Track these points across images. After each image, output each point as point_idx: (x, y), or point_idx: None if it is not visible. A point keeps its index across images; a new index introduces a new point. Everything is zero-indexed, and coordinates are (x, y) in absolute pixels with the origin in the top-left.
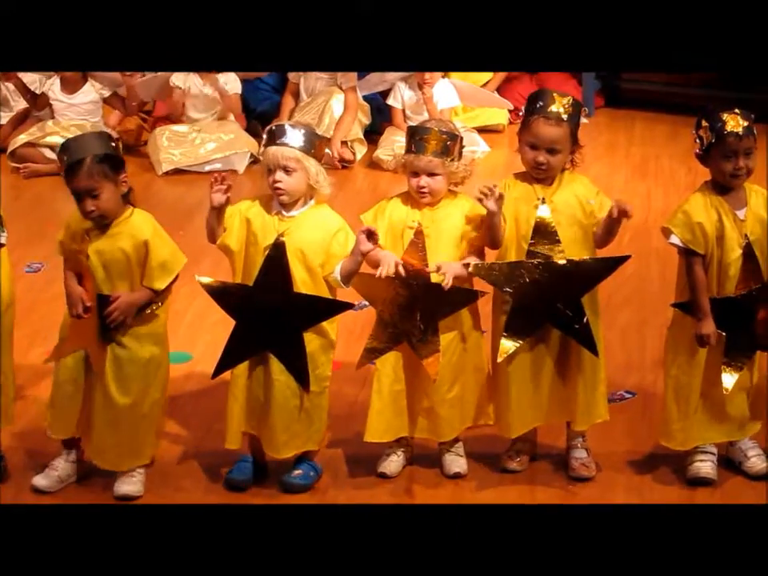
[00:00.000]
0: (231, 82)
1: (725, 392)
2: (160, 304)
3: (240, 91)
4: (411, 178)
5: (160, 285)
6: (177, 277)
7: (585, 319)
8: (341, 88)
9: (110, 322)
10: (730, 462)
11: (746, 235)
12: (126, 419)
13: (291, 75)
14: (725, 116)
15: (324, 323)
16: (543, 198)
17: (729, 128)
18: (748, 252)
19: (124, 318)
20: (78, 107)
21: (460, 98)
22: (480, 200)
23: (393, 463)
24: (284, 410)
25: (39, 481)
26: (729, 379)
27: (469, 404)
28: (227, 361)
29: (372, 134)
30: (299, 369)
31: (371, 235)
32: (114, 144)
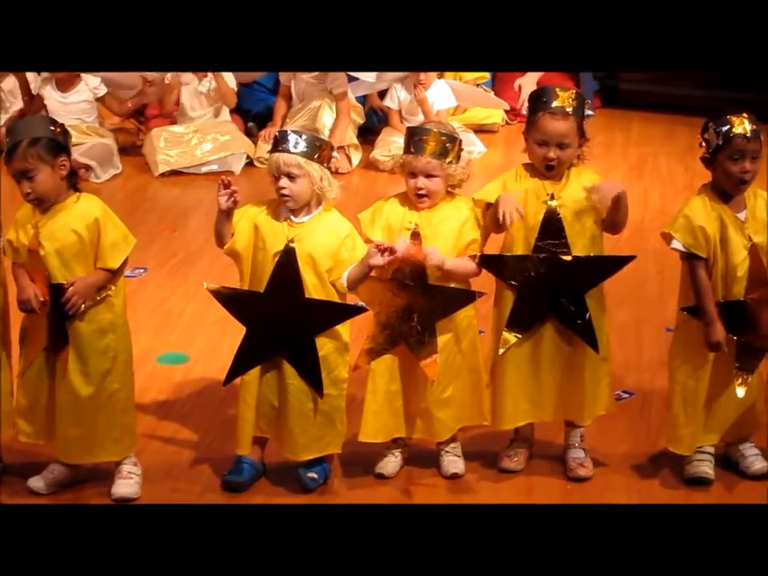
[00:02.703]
0: (226, 78)
1: (738, 396)
2: (113, 287)
3: (234, 88)
4: (409, 179)
5: (114, 263)
6: (127, 259)
7: (587, 315)
8: (332, 93)
9: (69, 308)
10: (727, 462)
11: (749, 237)
12: (86, 410)
13: (283, 78)
14: (733, 118)
15: (337, 326)
16: (552, 195)
17: (736, 130)
18: (753, 254)
19: (83, 302)
20: (73, 106)
21: (456, 99)
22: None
23: (390, 464)
24: (300, 414)
25: (34, 482)
26: (742, 383)
27: (464, 404)
28: (239, 367)
29: (368, 135)
30: (312, 374)
31: (384, 251)
32: (53, 128)
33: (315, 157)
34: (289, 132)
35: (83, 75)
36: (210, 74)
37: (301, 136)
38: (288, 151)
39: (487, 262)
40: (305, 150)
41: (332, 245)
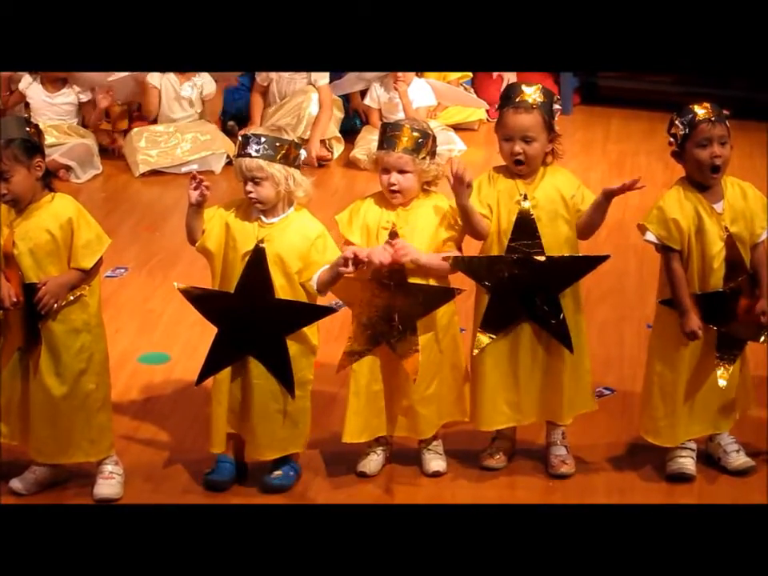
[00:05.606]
0: (207, 84)
1: (720, 386)
2: (87, 287)
3: (213, 92)
4: (382, 174)
5: (87, 263)
6: (101, 260)
7: (561, 315)
8: (314, 85)
9: (41, 307)
10: (708, 458)
11: (725, 227)
12: (60, 410)
13: (259, 78)
14: (695, 107)
15: (305, 328)
16: (525, 195)
17: (700, 117)
18: (730, 244)
19: (55, 302)
20: (58, 107)
21: (437, 98)
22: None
23: (372, 462)
24: (265, 414)
25: (15, 483)
26: (724, 373)
27: (446, 401)
28: (210, 367)
29: (351, 134)
30: (284, 374)
31: (355, 261)
32: (28, 129)
33: (277, 158)
34: (250, 135)
35: (70, 79)
36: (192, 79)
37: (261, 139)
38: (249, 155)
39: (459, 263)
40: (265, 152)
41: (302, 246)
